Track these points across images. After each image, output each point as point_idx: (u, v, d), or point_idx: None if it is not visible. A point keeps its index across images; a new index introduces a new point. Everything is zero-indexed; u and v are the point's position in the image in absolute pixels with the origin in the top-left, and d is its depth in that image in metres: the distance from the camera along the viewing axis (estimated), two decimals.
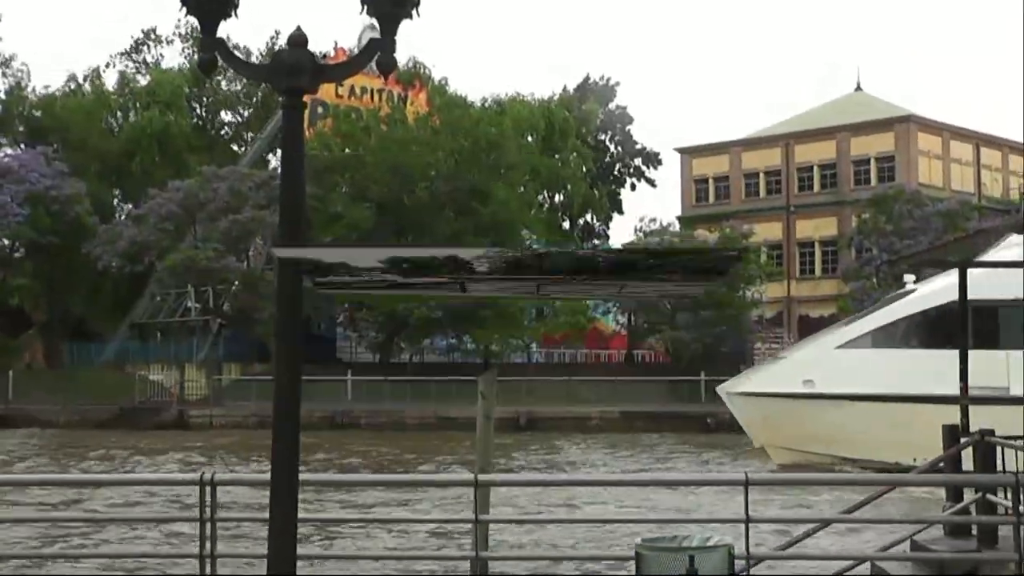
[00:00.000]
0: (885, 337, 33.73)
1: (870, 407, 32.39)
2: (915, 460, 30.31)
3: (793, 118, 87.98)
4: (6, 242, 62.00)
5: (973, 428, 32.72)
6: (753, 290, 66.20)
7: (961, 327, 17.58)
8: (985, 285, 31.19)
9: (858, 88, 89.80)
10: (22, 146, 72.49)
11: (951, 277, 34.36)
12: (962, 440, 13.99)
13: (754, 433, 35.67)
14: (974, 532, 13.08)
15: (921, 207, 66.55)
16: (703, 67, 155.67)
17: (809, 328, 61.54)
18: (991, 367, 30.40)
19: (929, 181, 76.53)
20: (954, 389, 30.70)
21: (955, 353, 30.96)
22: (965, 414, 14.87)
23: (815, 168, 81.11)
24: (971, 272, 35.00)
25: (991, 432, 13.23)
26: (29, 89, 78.08)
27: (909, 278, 41.61)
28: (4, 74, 74.40)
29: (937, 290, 34.15)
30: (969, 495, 13.29)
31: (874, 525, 15.74)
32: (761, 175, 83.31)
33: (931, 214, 64.98)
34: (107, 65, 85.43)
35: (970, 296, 31.73)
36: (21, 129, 77.03)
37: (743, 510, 10.40)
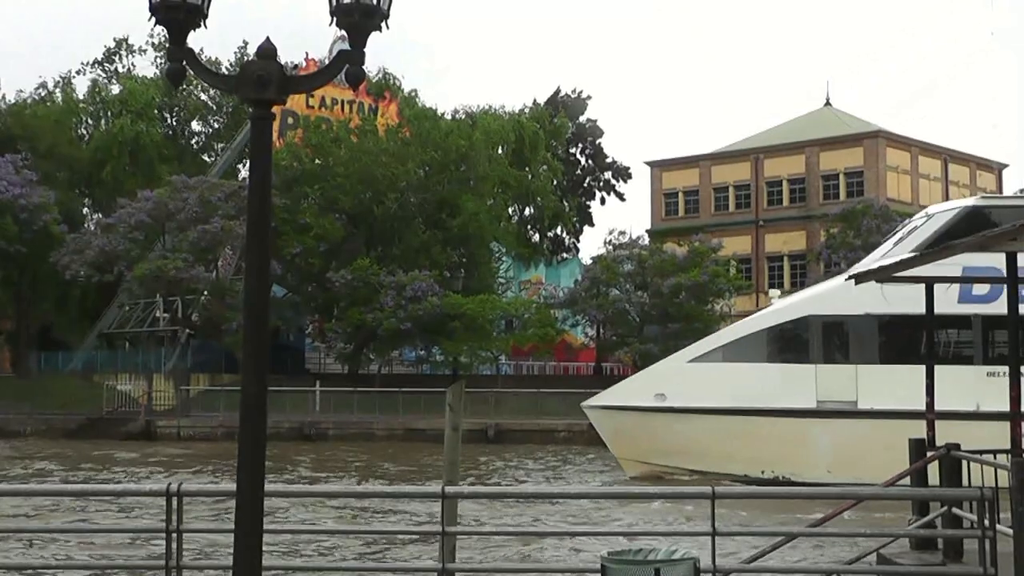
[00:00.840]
0: (735, 351, 33.80)
1: (719, 420, 32.58)
2: (763, 472, 31.55)
3: (763, 132, 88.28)
4: None
5: (818, 441, 33.53)
6: (722, 303, 66.32)
7: (928, 343, 17.61)
8: (836, 301, 32.65)
9: (827, 103, 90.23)
10: None
11: (801, 294, 36.03)
12: (928, 454, 14.07)
13: (611, 446, 35.59)
14: (940, 546, 13.14)
15: (889, 222, 66.85)
16: (673, 81, 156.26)
17: None
18: (841, 381, 31.64)
19: (897, 196, 76.91)
20: (802, 402, 31.77)
21: (801, 367, 32.19)
22: (931, 428, 14.93)
23: (784, 182, 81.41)
24: (822, 289, 36.43)
25: (957, 446, 13.30)
26: None
27: (774, 293, 41.90)
28: None
29: (785, 307, 34.95)
30: (935, 509, 13.35)
31: (840, 539, 15.78)
32: (731, 189, 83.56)
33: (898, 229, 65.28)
34: (78, 72, 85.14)
35: (822, 312, 32.85)
36: None
37: (709, 523, 10.42)
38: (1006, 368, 31.97)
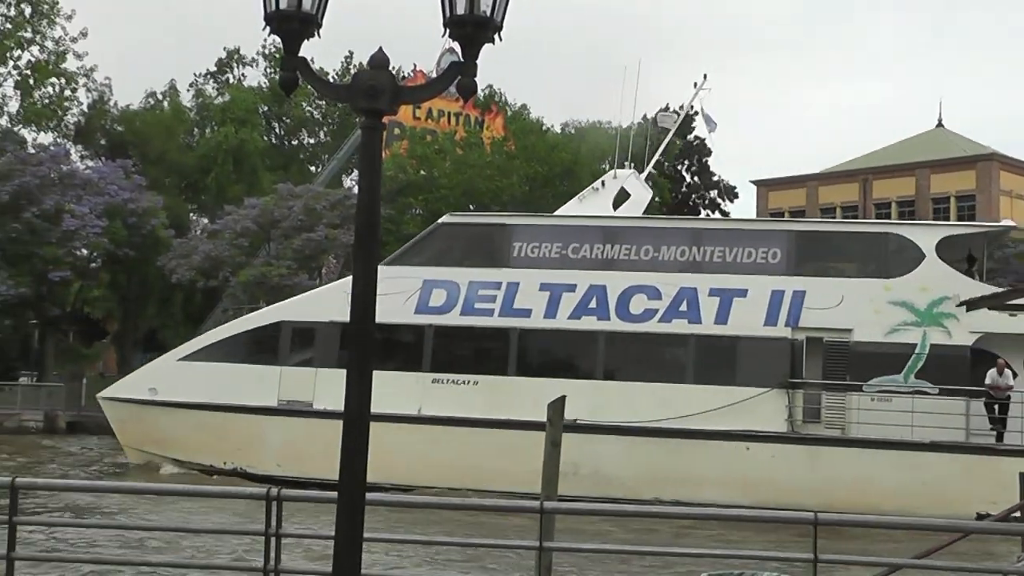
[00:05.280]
0: (217, 352, 35.99)
1: (192, 414, 35.08)
2: (224, 464, 34.50)
3: (872, 153, 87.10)
4: (84, 253, 62.66)
5: (271, 437, 36.06)
6: None
7: None
8: (307, 308, 35.79)
9: (939, 124, 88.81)
10: (103, 159, 73.49)
11: (281, 303, 39.05)
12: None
13: (117, 434, 38.15)
14: None
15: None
16: (783, 98, 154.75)
17: None
18: (301, 382, 34.14)
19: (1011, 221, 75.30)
20: (265, 400, 34.33)
21: (269, 368, 34.83)
22: None
23: (893, 204, 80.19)
24: (297, 296, 38.11)
25: None
26: (111, 103, 79.35)
27: None
28: (88, 88, 75.51)
29: (263, 312, 37.54)
30: None
31: (946, 571, 15.42)
32: (838, 210, 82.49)
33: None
34: (191, 85, 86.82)
35: (293, 318, 35.47)
36: (103, 142, 78.18)
37: (811, 549, 10.23)
38: (451, 376, 33.62)
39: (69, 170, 63.90)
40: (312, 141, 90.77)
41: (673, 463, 30.72)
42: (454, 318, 33.79)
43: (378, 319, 27.29)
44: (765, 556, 12.54)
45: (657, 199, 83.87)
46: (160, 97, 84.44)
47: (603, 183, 38.99)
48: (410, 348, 34.02)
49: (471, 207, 64.69)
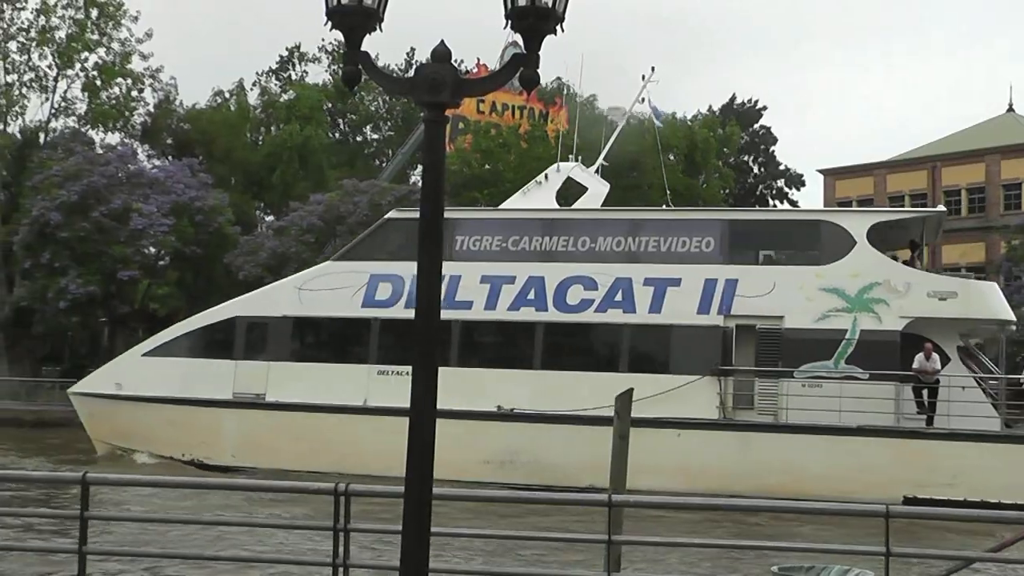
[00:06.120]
0: (178, 347, 36.84)
1: (155, 408, 35.87)
2: (183, 455, 35.59)
3: (941, 140, 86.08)
4: (152, 251, 63.30)
5: (227, 429, 35.46)
6: None
7: None
8: (260, 303, 36.64)
9: (1010, 109, 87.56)
10: (169, 158, 74.22)
11: (236, 299, 39.53)
12: None
13: (87, 428, 38.75)
14: None
15: None
16: (851, 84, 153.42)
17: None
18: (254, 375, 35.04)
19: None
20: (221, 393, 35.31)
21: (225, 362, 35.76)
22: None
23: (963, 192, 79.12)
24: (254, 293, 38.65)
25: None
26: (177, 102, 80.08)
27: None
28: (153, 88, 76.27)
29: (219, 308, 38.12)
30: None
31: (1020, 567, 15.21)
32: (906, 198, 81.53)
33: None
34: (254, 84, 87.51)
35: (247, 313, 36.35)
36: (169, 142, 78.92)
37: (883, 543, 10.11)
38: (395, 367, 33.41)
39: (136, 169, 64.65)
40: (376, 137, 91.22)
41: (608, 451, 30.85)
42: (399, 311, 34.03)
43: (327, 313, 28.94)
44: (836, 549, 12.43)
45: (724, 190, 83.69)
46: (227, 96, 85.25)
47: (546, 176, 39.44)
48: (357, 341, 34.92)
49: None
